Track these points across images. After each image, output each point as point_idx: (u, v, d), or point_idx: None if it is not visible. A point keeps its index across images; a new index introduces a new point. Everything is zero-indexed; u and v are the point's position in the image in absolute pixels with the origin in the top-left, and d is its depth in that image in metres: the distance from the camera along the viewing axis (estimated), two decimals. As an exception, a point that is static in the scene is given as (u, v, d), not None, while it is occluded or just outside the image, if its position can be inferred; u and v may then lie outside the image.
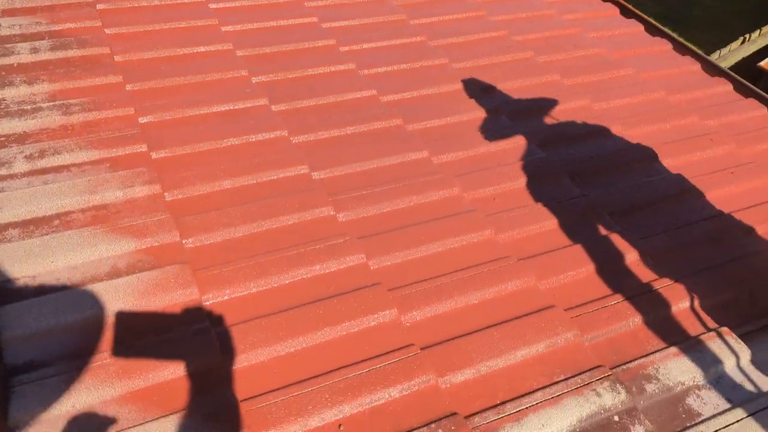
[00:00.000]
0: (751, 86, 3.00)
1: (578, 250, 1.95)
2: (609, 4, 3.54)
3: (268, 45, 2.69)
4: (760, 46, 6.96)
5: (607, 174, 2.30)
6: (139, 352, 1.50)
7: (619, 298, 1.81)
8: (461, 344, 1.63)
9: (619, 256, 1.95)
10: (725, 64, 6.93)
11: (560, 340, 1.67)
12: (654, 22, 3.43)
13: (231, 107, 2.33)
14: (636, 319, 1.77)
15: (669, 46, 3.26)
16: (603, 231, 2.04)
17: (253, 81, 2.48)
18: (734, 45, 6.92)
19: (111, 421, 1.37)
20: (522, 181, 2.19)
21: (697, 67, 3.13)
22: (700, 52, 3.31)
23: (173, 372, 1.47)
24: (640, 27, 3.37)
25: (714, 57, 6.83)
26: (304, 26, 2.86)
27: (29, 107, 2.14)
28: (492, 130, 2.36)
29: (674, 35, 3.40)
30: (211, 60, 2.55)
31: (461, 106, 2.51)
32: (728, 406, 1.59)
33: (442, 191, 2.09)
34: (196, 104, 2.30)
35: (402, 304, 1.71)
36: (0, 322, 1.51)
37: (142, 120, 2.20)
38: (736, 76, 3.13)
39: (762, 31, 7.03)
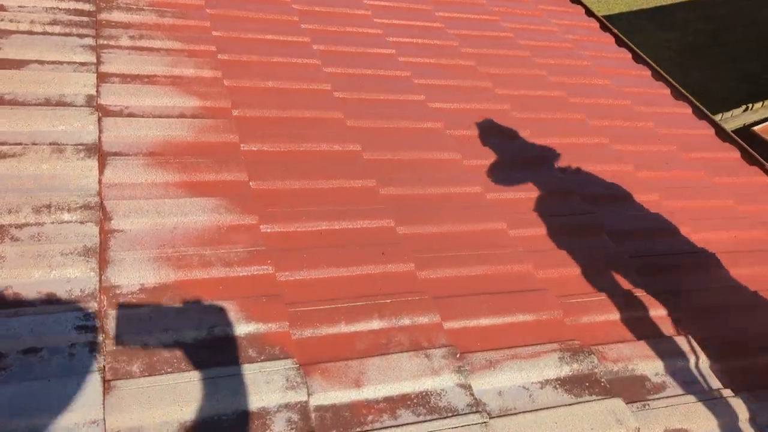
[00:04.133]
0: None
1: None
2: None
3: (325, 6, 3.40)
4: (762, 117, 7.56)
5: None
6: (195, 163, 2.17)
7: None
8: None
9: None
10: (726, 127, 7.55)
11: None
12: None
13: (283, 39, 3.02)
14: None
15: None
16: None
17: (302, 27, 3.18)
18: (737, 111, 7.54)
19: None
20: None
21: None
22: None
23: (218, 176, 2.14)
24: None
25: (716, 118, 7.44)
26: None
27: (134, 7, 2.85)
28: None
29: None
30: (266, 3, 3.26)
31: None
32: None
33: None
34: (256, 32, 3.00)
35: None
36: (101, 127, 2.19)
37: (214, 33, 2.89)
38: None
39: (765, 104, 7.65)
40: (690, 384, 2.05)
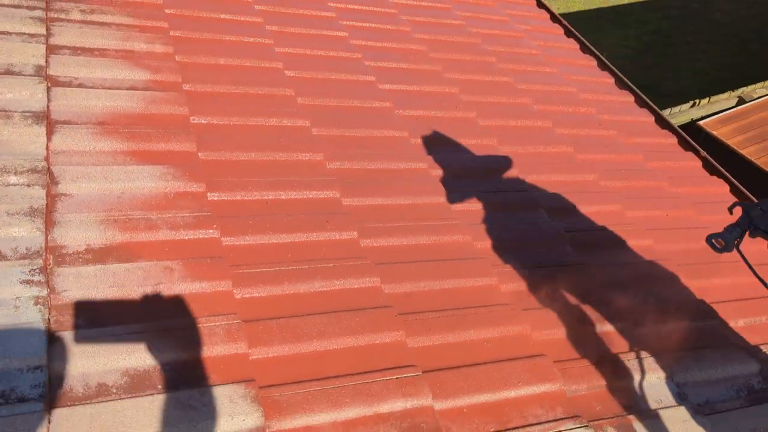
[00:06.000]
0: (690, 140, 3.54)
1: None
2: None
3: None
4: (708, 112, 7.87)
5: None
6: (144, 132, 2.21)
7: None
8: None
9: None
10: (675, 122, 7.84)
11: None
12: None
13: (237, 18, 3.07)
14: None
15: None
16: None
17: (255, 8, 3.24)
18: (684, 107, 7.83)
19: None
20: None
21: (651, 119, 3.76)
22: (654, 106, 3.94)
23: (167, 146, 2.19)
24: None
25: (665, 113, 7.71)
26: None
27: (86, -18, 2.87)
28: None
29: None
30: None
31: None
32: None
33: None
34: (209, 10, 3.04)
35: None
36: (50, 96, 2.22)
37: (167, 11, 2.93)
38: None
39: (711, 100, 7.96)
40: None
